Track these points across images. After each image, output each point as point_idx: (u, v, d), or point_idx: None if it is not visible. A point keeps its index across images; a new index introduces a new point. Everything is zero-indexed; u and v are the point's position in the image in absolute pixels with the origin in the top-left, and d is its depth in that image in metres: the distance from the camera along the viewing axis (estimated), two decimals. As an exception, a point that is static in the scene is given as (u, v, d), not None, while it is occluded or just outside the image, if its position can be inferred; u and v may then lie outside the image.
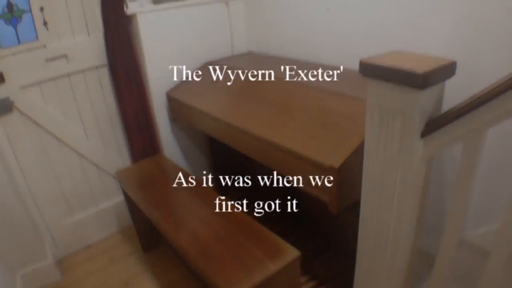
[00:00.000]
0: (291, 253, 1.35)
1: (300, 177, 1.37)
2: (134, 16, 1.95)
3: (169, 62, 2.15)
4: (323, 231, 2.01)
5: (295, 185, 1.41)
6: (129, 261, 2.20)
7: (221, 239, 1.43)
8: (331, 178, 1.24)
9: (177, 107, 2.11)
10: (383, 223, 1.00)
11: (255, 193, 2.46)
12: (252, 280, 1.25)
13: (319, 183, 1.30)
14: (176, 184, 1.85)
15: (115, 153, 2.28)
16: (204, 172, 2.65)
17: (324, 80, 1.70)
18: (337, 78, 1.73)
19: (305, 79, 1.71)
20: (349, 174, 1.26)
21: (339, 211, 1.31)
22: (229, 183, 2.58)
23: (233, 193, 2.51)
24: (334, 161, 1.22)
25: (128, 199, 2.02)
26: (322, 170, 1.26)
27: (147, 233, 2.20)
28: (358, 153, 1.25)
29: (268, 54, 2.34)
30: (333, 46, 1.92)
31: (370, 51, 1.75)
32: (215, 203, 1.65)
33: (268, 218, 2.26)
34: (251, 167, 2.38)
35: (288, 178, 1.43)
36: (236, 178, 2.57)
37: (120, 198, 2.38)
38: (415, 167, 0.92)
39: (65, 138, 2.05)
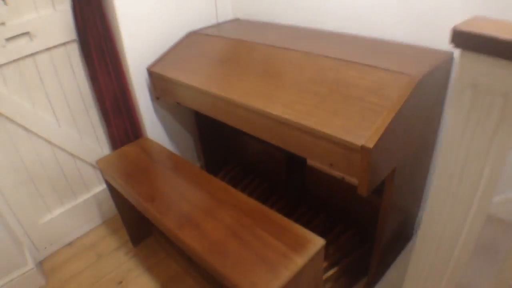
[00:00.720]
0: (316, 242, 1.22)
1: (322, 159, 1.22)
2: (106, -20, 1.68)
3: (148, 33, 1.91)
4: (330, 209, 1.89)
5: (315, 166, 1.26)
6: (118, 256, 2.01)
7: (234, 233, 1.27)
8: (363, 159, 1.10)
9: (160, 83, 1.88)
10: (454, 218, 0.87)
11: (251, 172, 2.30)
12: (279, 278, 1.11)
13: (348, 165, 1.16)
14: (167, 169, 1.65)
15: (92, 140, 2.04)
16: (195, 154, 2.46)
17: (331, 48, 1.53)
18: (345, 45, 1.57)
19: (309, 47, 1.53)
20: (381, 154, 1.13)
21: (368, 194, 1.18)
22: (222, 165, 2.39)
23: (228, 175, 2.33)
24: (367, 141, 1.08)
25: (111, 189, 1.81)
26: (351, 151, 1.12)
27: (136, 223, 2.01)
28: (390, 130, 1.12)
29: (257, 20, 2.13)
30: (334, 10, 1.74)
31: (380, 16, 1.65)
32: (217, 190, 1.47)
33: (267, 197, 2.11)
34: (244, 144, 2.21)
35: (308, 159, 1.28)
36: (228, 158, 2.39)
37: (100, 187, 2.17)
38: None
39: (34, 127, 1.79)
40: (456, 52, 1.41)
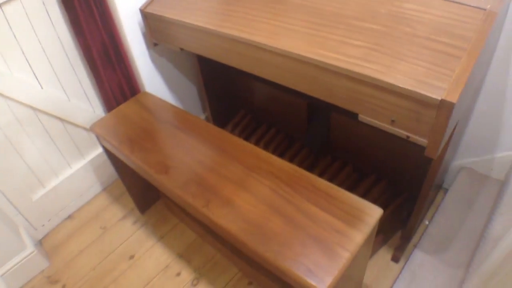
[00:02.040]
0: (373, 212, 1.04)
1: (381, 115, 1.00)
2: None
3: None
4: (357, 159, 1.70)
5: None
6: (126, 227, 1.82)
7: (275, 208, 1.07)
8: (441, 116, 0.88)
9: (158, 26, 1.58)
10: None
11: (263, 121, 2.06)
12: (338, 261, 0.93)
13: (417, 123, 0.94)
14: (175, 129, 1.41)
15: (82, 100, 1.75)
16: (199, 105, 2.20)
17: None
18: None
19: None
20: (458, 109, 0.91)
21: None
22: (230, 115, 2.14)
23: (238, 126, 2.09)
24: (448, 94, 0.86)
25: (110, 154, 1.57)
26: (425, 106, 0.90)
27: (141, 188, 1.79)
28: (470, 79, 0.91)
29: None
30: None
31: None
32: (242, 153, 1.25)
33: (285, 148, 1.91)
34: (255, 89, 1.95)
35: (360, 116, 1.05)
36: (237, 107, 2.14)
37: (96, 152, 1.92)
38: None
39: (12, 93, 1.49)
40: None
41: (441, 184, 1.76)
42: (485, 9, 0.99)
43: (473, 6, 1.01)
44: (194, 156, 1.27)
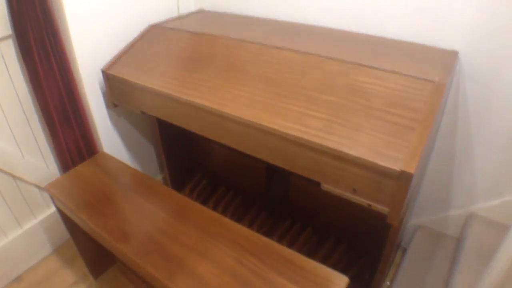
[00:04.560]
0: (339, 281, 1.03)
1: (343, 184, 1.02)
2: (46, -40, 1.33)
3: (102, 27, 1.58)
4: (317, 221, 1.71)
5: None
6: (77, 294, 1.69)
7: (242, 280, 1.04)
8: (401, 185, 0.92)
9: (119, 88, 1.56)
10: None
11: (221, 184, 2.04)
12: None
13: (377, 192, 0.97)
14: (135, 194, 1.37)
15: (36, 156, 1.67)
16: (155, 165, 2.16)
17: (330, 47, 1.33)
18: (344, 44, 1.37)
19: (304, 46, 1.31)
20: (416, 177, 0.95)
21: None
22: (187, 177, 2.11)
23: (195, 188, 2.06)
24: (406, 165, 0.90)
25: (63, 215, 1.49)
26: (384, 176, 0.94)
27: (95, 252, 1.69)
28: (425, 148, 0.96)
29: (226, 12, 1.86)
30: (322, 3, 1.53)
31: (375, 11, 1.43)
32: (204, 220, 1.23)
33: (244, 212, 1.89)
34: (212, 151, 1.95)
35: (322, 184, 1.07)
36: (194, 169, 2.11)
37: (48, 211, 1.81)
38: None
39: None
40: (462, 51, 1.28)
41: (399, 243, 1.80)
42: (434, 81, 1.07)
43: (422, 79, 1.09)
44: (155, 223, 1.23)
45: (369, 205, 1.01)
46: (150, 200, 1.32)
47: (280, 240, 1.70)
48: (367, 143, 0.97)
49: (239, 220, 1.84)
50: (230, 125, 1.18)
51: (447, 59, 1.24)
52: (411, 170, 0.89)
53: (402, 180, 0.91)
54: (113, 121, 1.78)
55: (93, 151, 1.71)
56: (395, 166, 0.91)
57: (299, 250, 1.48)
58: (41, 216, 1.79)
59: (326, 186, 1.05)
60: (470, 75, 1.33)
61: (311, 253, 1.65)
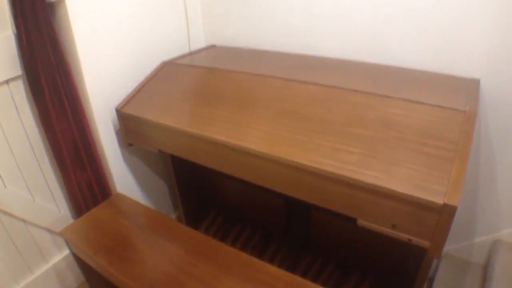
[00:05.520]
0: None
1: (381, 219, 0.99)
2: (61, 2, 1.33)
3: (115, 66, 1.57)
4: (341, 256, 1.66)
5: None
6: None
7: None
8: (443, 219, 0.88)
9: (133, 126, 1.54)
10: None
11: (238, 221, 1.99)
12: None
13: (418, 226, 0.94)
14: (157, 237, 1.32)
15: (47, 200, 1.62)
16: (169, 203, 2.11)
17: (351, 79, 1.32)
18: (364, 75, 1.37)
19: (324, 79, 1.31)
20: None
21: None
22: (203, 214, 2.06)
23: (212, 226, 2.00)
24: (449, 198, 0.87)
25: (78, 259, 1.43)
26: (425, 209, 0.91)
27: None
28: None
29: (236, 47, 1.87)
30: (333, 33, 1.55)
31: (388, 39, 1.45)
32: (234, 262, 1.18)
33: (264, 249, 1.83)
34: (228, 188, 1.91)
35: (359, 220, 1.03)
36: (209, 205, 2.07)
37: (60, 255, 1.74)
38: None
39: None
40: (482, 78, 1.28)
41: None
42: (464, 111, 1.06)
43: (452, 109, 1.08)
44: (181, 268, 1.18)
45: (410, 240, 0.97)
46: (172, 243, 1.28)
47: (303, 275, 1.64)
48: (405, 176, 0.94)
49: (259, 256, 1.77)
50: (255, 162, 1.15)
51: (470, 88, 1.24)
52: (455, 202, 0.86)
53: (445, 213, 0.88)
54: (126, 160, 1.75)
55: (107, 192, 1.66)
56: (438, 199, 0.88)
57: (323, 285, 1.42)
58: (52, 261, 1.72)
59: (362, 222, 1.02)
60: (491, 102, 1.33)
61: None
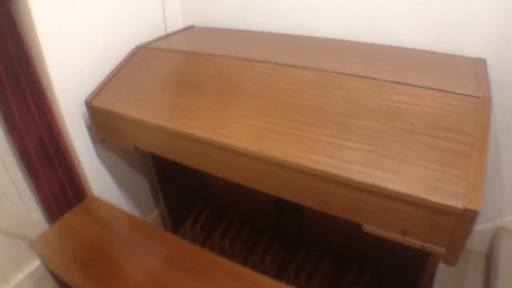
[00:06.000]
0: None
1: (390, 225, 0.87)
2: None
3: (83, 52, 1.39)
4: (336, 250, 1.56)
5: (380, 235, 0.91)
6: None
7: None
8: (462, 224, 0.77)
9: (106, 121, 1.38)
10: None
11: (225, 214, 1.87)
12: None
13: (432, 232, 0.83)
14: (136, 247, 1.18)
15: (17, 204, 1.47)
16: (151, 200, 1.97)
17: (349, 62, 1.19)
18: (363, 57, 1.24)
19: (319, 62, 1.17)
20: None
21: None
22: (187, 209, 1.93)
23: (198, 221, 1.88)
24: (470, 201, 0.75)
25: (52, 271, 1.29)
26: (442, 214, 0.79)
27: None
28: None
29: (218, 27, 1.70)
30: (328, 11, 1.40)
31: (388, 18, 1.30)
32: (223, 274, 1.06)
33: (254, 243, 1.72)
34: (215, 181, 1.78)
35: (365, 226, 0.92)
36: (194, 200, 1.93)
37: (35, 263, 1.60)
38: None
39: None
40: (488, 58, 1.17)
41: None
42: (477, 97, 0.94)
43: (464, 94, 0.96)
44: (165, 283, 1.05)
45: (422, 247, 0.86)
46: (152, 253, 1.15)
47: (297, 272, 1.54)
48: (418, 176, 0.82)
49: (249, 252, 1.67)
50: (243, 161, 1.01)
51: (478, 69, 1.11)
52: (476, 207, 0.74)
53: (465, 218, 0.77)
54: (101, 157, 1.59)
55: (81, 194, 1.52)
56: (457, 203, 0.76)
57: (320, 282, 1.32)
58: (28, 269, 1.58)
59: (369, 228, 0.90)
60: (496, 83, 1.21)
61: (333, 286, 1.50)
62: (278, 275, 1.57)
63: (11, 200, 1.44)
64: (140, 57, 1.48)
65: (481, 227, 1.54)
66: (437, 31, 1.21)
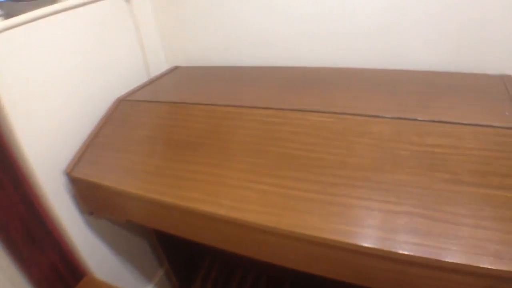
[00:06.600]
0: None
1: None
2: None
3: (57, 113, 1.24)
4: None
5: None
6: None
7: None
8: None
9: (90, 193, 1.21)
10: None
11: (237, 266, 1.70)
12: None
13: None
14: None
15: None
16: (154, 261, 1.79)
17: (362, 97, 1.04)
18: (380, 88, 1.09)
19: (325, 101, 1.03)
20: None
21: None
22: (194, 267, 1.75)
23: (207, 278, 1.70)
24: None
25: None
26: (509, 282, 0.63)
27: None
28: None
29: (205, 66, 1.56)
30: (333, 35, 1.26)
31: (400, 39, 1.17)
32: None
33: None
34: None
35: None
36: (205, 258, 1.76)
37: None
38: None
39: None
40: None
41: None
42: (518, 130, 0.80)
43: (506, 128, 0.81)
44: None
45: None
46: None
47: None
48: (474, 239, 0.67)
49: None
50: (258, 237, 0.85)
51: (509, 90, 0.97)
52: None
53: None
54: (93, 227, 1.42)
55: (78, 272, 1.35)
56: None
57: None
58: None
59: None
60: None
61: None
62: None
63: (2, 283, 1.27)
64: (122, 112, 1.32)
65: None
66: (455, 49, 1.07)
